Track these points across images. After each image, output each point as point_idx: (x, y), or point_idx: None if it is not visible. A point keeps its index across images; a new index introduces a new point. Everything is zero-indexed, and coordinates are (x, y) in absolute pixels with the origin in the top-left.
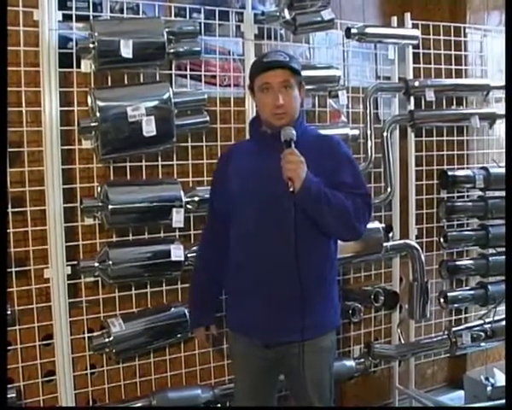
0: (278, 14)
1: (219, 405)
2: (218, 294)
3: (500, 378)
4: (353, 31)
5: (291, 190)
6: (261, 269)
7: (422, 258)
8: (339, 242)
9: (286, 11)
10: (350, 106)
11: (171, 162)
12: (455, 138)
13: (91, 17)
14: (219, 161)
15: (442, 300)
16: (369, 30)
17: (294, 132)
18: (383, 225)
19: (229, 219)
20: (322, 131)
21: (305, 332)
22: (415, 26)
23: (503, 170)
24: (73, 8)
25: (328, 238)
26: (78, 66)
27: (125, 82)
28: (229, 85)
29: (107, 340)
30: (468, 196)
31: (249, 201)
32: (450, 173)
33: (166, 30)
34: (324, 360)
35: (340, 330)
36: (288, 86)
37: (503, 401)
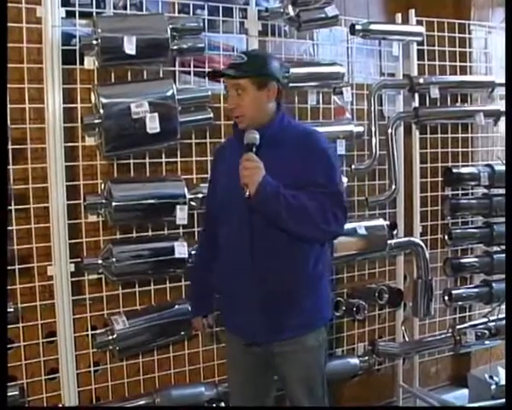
0: (282, 10)
1: (223, 402)
2: (213, 287)
3: (504, 377)
4: (358, 27)
5: (246, 195)
6: (234, 271)
7: (427, 255)
8: (340, 239)
9: (290, 8)
10: (354, 103)
11: (174, 159)
12: (459, 135)
13: (94, 14)
14: (213, 157)
15: (446, 298)
16: (373, 26)
17: (257, 136)
18: (387, 222)
19: (217, 218)
20: (323, 128)
21: (280, 332)
22: (419, 23)
23: None
24: (76, 5)
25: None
26: (82, 62)
27: (129, 79)
28: None
29: (110, 337)
30: (472, 194)
31: (225, 203)
32: (454, 171)
33: (170, 26)
34: (311, 360)
35: (330, 328)
36: (241, 89)
37: None
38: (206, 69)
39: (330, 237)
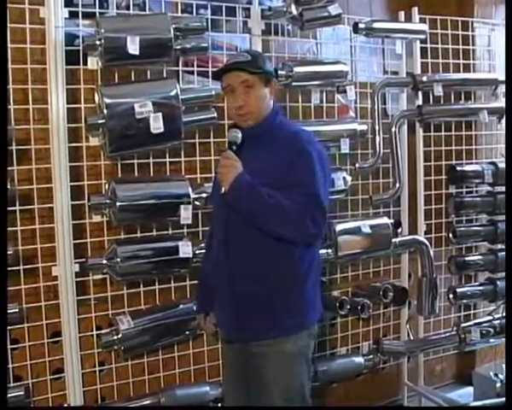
0: (285, 9)
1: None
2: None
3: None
4: (361, 26)
5: (221, 192)
6: (215, 268)
7: (431, 254)
8: (344, 238)
9: (293, 6)
10: (358, 101)
11: (178, 159)
12: (463, 133)
13: (97, 14)
14: None
15: (451, 296)
16: (376, 25)
17: (239, 135)
18: (392, 220)
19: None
20: (327, 127)
21: (250, 333)
22: (422, 21)
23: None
24: (80, 6)
25: (277, 241)
26: (85, 63)
27: (132, 79)
28: None
29: (115, 337)
30: (476, 192)
31: (214, 202)
32: (458, 168)
33: (173, 26)
34: (286, 366)
35: (321, 333)
36: (248, 86)
37: None
38: (210, 69)
39: (308, 239)
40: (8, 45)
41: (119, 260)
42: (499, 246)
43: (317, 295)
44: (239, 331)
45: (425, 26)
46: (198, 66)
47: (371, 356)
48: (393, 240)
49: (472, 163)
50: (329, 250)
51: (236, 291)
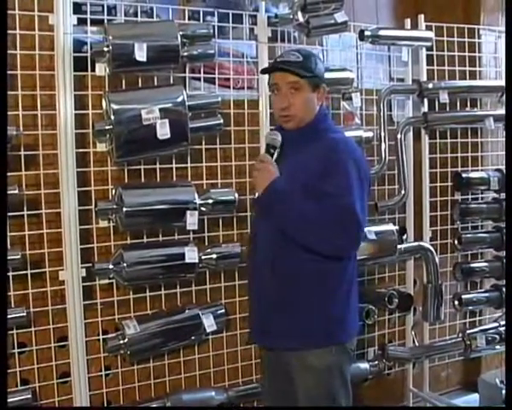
0: (291, 16)
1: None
2: None
3: None
4: (367, 33)
5: (255, 197)
6: (253, 273)
7: (436, 260)
8: None
9: (299, 14)
10: (363, 108)
11: (185, 165)
12: (469, 140)
13: (106, 21)
14: None
15: (456, 302)
16: (382, 32)
17: (279, 139)
18: (397, 227)
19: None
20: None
21: (277, 341)
22: (428, 28)
23: None
24: (88, 12)
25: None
26: (93, 69)
27: (140, 85)
28: (243, 88)
29: (121, 342)
30: (482, 198)
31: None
32: (464, 175)
33: (180, 33)
34: (316, 380)
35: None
36: (296, 88)
37: None
38: (216, 75)
39: (338, 253)
40: (18, 52)
41: (125, 265)
42: (505, 253)
43: (349, 309)
44: (268, 337)
45: (431, 34)
46: (205, 72)
47: (376, 362)
48: (399, 246)
49: (478, 170)
50: None
51: (269, 299)
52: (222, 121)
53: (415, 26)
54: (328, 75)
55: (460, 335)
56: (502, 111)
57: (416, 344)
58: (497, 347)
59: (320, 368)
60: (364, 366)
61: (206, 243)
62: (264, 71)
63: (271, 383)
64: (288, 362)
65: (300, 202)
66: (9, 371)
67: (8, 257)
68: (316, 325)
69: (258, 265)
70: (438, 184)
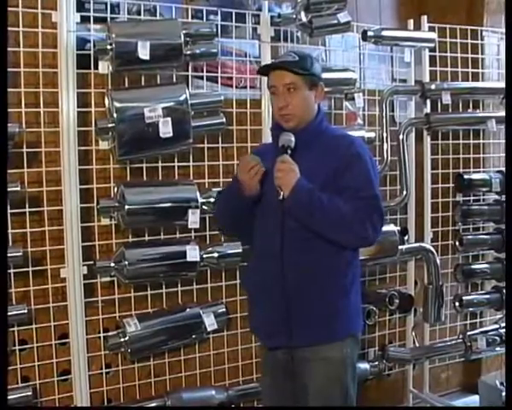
0: (294, 16)
1: (233, 406)
2: None
3: None
4: (370, 33)
5: (280, 198)
6: (262, 273)
7: (438, 261)
8: None
9: (302, 14)
10: (366, 108)
11: (187, 163)
12: (471, 142)
13: (109, 19)
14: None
15: (457, 303)
16: (385, 33)
17: (293, 139)
18: (398, 228)
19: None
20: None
21: (297, 337)
22: (431, 29)
23: None
24: (91, 10)
25: (331, 246)
26: (96, 67)
27: (142, 83)
28: (246, 87)
29: (122, 340)
30: (484, 200)
31: (259, 205)
32: (466, 177)
33: (183, 32)
34: (331, 372)
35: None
36: (293, 88)
37: None
38: (219, 74)
39: (365, 243)
40: (21, 49)
41: (126, 263)
42: (505, 254)
43: (358, 301)
44: (287, 336)
45: (434, 35)
46: (207, 71)
47: (377, 363)
48: (400, 247)
49: (479, 172)
50: None
51: (288, 296)
52: (224, 120)
53: (418, 27)
54: (330, 75)
55: (460, 336)
56: (504, 113)
57: (417, 345)
58: (498, 348)
59: (338, 359)
60: (365, 366)
61: (208, 242)
62: (260, 71)
63: (277, 383)
64: (302, 357)
65: (327, 198)
66: (10, 368)
67: (10, 254)
68: (337, 318)
69: (274, 264)
70: (439, 186)
